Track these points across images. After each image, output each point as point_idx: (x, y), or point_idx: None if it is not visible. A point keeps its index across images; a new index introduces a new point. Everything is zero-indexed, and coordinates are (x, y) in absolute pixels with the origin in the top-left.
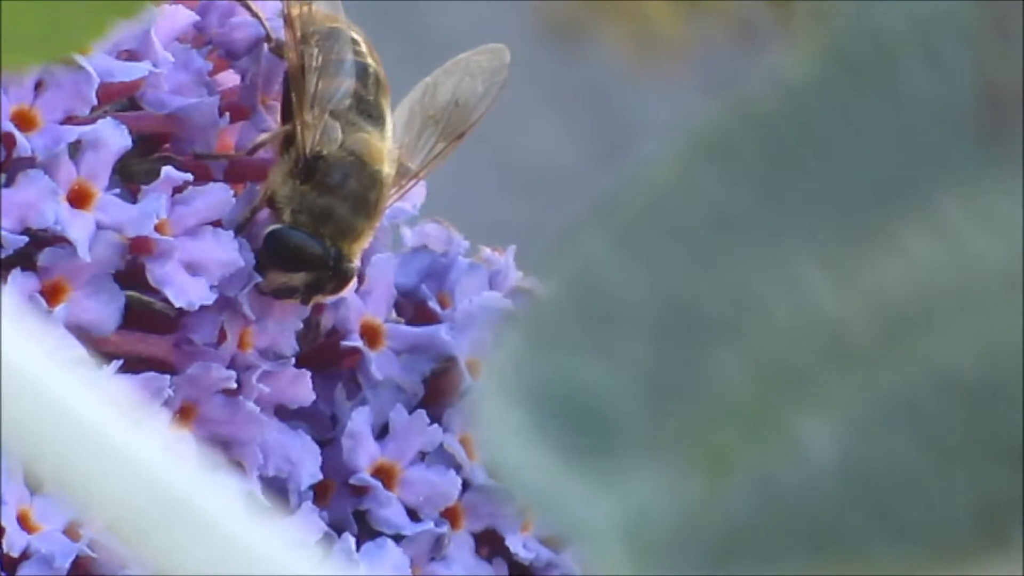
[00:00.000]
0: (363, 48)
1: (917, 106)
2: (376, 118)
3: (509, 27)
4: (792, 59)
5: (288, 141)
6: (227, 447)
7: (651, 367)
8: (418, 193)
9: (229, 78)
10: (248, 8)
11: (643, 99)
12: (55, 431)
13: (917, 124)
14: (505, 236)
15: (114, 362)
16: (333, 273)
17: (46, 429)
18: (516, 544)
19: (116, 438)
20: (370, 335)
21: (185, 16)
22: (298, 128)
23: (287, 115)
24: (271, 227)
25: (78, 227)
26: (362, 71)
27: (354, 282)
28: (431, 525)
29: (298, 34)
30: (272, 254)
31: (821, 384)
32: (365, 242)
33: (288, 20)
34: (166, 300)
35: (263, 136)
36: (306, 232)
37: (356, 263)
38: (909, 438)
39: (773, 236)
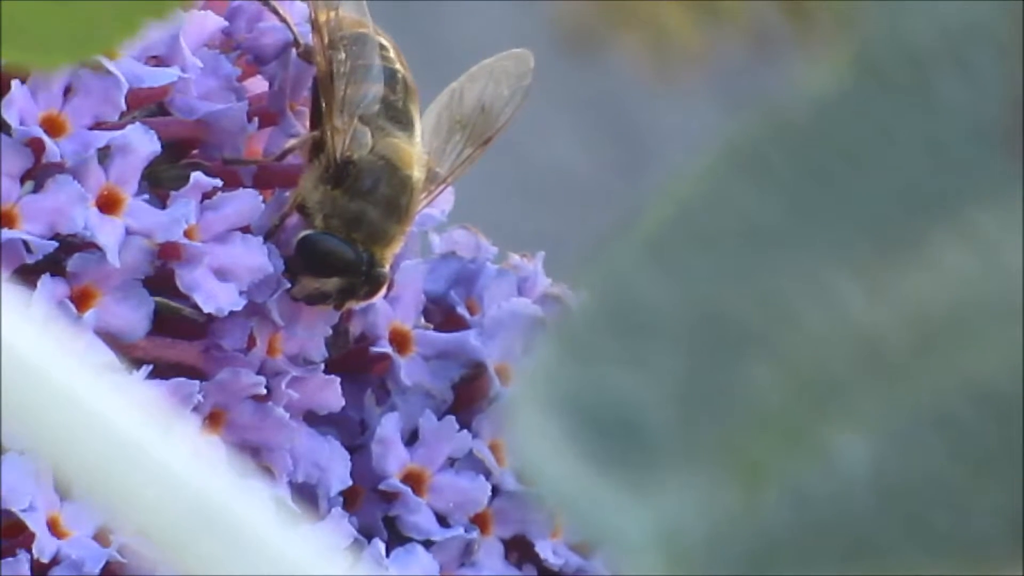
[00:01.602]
0: (391, 53)
1: (949, 118)
2: (405, 123)
3: (526, 36)
4: (822, 70)
5: (318, 147)
6: (257, 453)
7: (684, 378)
8: (446, 199)
9: (257, 84)
10: (276, 13)
11: (660, 108)
12: (84, 437)
13: (949, 136)
14: (523, 243)
15: (143, 368)
16: (366, 278)
17: (75, 435)
18: (546, 550)
19: (146, 444)
20: (399, 341)
21: (213, 21)
22: (328, 133)
23: (316, 120)
24: (304, 232)
25: (107, 233)
26: (390, 76)
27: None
28: (461, 531)
29: (326, 39)
30: (305, 260)
31: (854, 395)
32: (397, 247)
33: (316, 25)
34: (195, 306)
35: (292, 142)
36: (339, 237)
37: (388, 268)
38: (942, 449)
39: (805, 247)
